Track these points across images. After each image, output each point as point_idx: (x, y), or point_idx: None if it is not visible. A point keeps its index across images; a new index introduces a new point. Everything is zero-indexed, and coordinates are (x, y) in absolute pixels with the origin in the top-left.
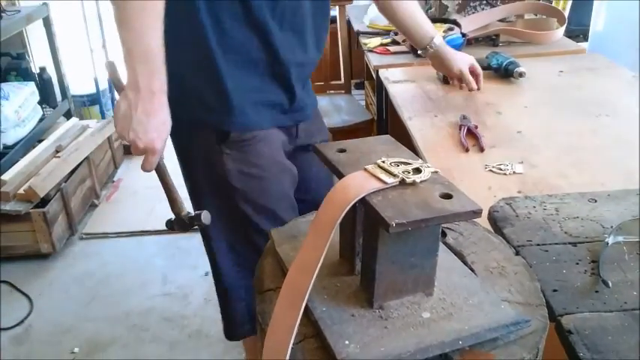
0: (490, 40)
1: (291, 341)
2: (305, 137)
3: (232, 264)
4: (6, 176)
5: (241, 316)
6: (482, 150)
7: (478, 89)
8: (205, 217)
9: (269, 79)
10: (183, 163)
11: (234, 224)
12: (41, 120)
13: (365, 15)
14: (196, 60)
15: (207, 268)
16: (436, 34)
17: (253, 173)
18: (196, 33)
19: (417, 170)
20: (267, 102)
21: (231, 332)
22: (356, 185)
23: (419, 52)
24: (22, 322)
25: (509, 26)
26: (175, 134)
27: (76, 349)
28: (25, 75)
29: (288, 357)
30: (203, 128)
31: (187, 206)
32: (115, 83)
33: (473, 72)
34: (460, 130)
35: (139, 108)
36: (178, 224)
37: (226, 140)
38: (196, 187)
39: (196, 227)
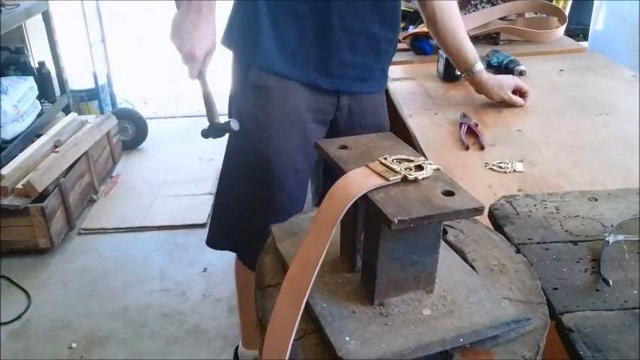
0: (491, 38)
1: (292, 337)
2: (348, 114)
3: (229, 186)
4: (4, 171)
5: (220, 231)
6: (482, 148)
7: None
8: (234, 124)
9: (311, 35)
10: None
11: (237, 155)
12: (40, 115)
13: None
14: None
15: (205, 264)
16: (477, 61)
17: (260, 118)
18: None
19: (419, 167)
20: (298, 53)
21: (210, 241)
22: (358, 182)
23: (458, 73)
24: (19, 317)
25: (509, 25)
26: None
27: (74, 345)
28: (23, 69)
29: (288, 353)
30: (238, 62)
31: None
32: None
33: (519, 91)
34: (460, 128)
35: (188, 19)
36: (212, 130)
37: (247, 79)
38: (229, 107)
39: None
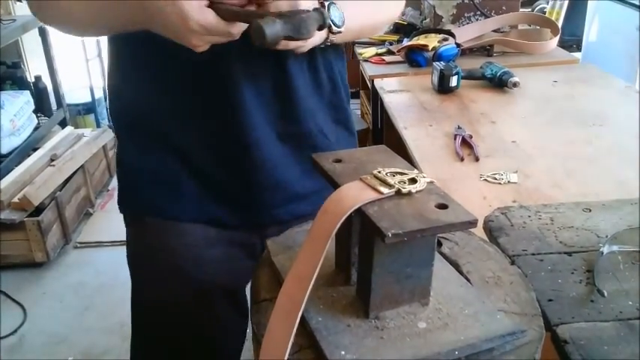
0: (484, 50)
1: (287, 352)
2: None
3: None
4: (0, 185)
5: None
6: (477, 159)
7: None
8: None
9: (172, 154)
10: None
11: None
12: (36, 129)
13: None
14: None
15: None
16: None
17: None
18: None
19: (413, 180)
20: (171, 183)
21: None
22: (352, 195)
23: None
24: (15, 331)
25: (503, 37)
26: None
27: (70, 359)
28: (20, 84)
29: None
30: None
31: None
32: None
33: None
34: (455, 139)
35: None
36: None
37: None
38: None
39: None
